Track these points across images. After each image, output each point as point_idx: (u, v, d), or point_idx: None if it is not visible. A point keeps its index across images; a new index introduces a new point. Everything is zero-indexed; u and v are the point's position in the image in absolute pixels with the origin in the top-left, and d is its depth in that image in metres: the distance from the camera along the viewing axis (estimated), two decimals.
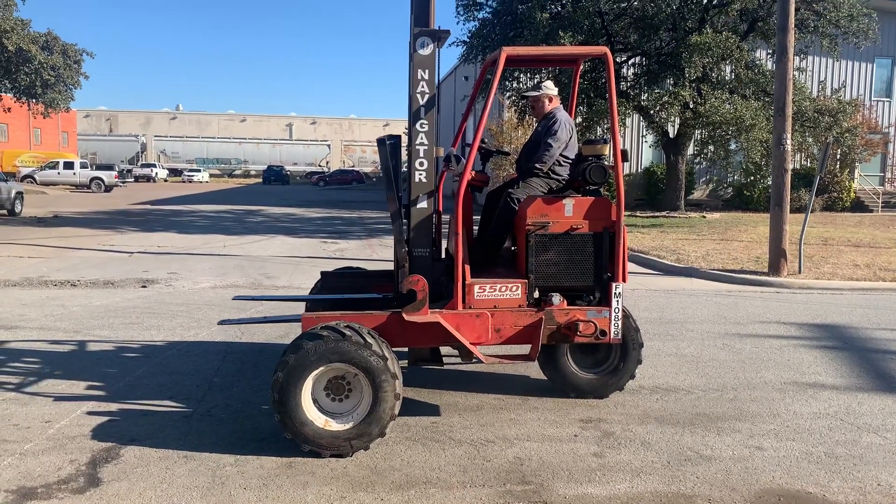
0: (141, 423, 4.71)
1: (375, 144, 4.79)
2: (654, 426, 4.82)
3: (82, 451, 4.26)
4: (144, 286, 9.95)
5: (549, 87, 5.30)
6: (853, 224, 20.81)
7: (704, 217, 22.02)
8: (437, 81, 4.60)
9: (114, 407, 5.00)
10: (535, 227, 4.61)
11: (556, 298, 4.64)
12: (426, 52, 4.55)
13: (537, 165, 5.07)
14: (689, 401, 5.36)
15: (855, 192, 28.04)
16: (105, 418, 4.78)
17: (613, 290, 4.63)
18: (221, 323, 5.44)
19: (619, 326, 4.68)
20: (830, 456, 4.39)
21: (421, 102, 4.57)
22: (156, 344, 6.73)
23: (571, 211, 4.63)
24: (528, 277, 4.62)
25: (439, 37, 4.58)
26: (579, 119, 20.91)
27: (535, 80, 21.40)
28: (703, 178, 30.01)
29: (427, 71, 4.56)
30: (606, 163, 4.91)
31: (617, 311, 4.65)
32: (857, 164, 28.27)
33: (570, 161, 5.14)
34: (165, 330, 7.29)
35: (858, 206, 27.71)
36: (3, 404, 5.02)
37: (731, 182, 29.21)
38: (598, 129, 20.91)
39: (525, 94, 5.46)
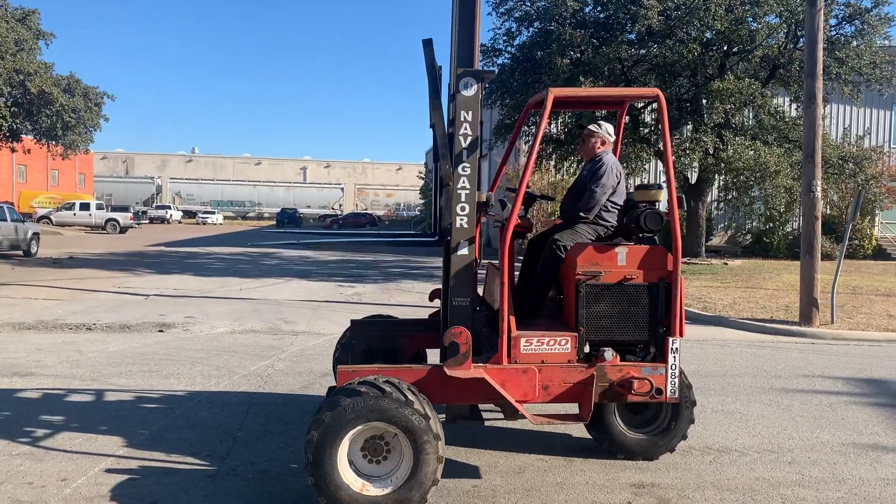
0: (163, 483, 4.41)
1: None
2: (712, 492, 4.48)
3: None
4: (161, 330, 9.70)
5: (608, 129, 5.06)
6: (879, 272, 20.39)
7: (727, 264, 21.64)
8: (480, 123, 4.39)
9: (134, 464, 4.70)
10: (585, 276, 4.33)
11: (609, 353, 4.33)
12: (470, 92, 4.33)
13: (582, 213, 4.83)
14: (744, 463, 5.01)
15: (876, 240, 27.66)
16: (124, 476, 4.48)
17: (670, 345, 4.34)
18: (251, 245, 5.46)
19: (677, 384, 4.37)
20: None
21: (464, 145, 4.32)
22: (176, 394, 6.44)
23: (625, 260, 4.35)
24: (578, 330, 4.33)
25: (483, 77, 4.38)
26: None
27: (567, 126, 21.30)
28: (722, 225, 29.69)
29: (471, 112, 4.33)
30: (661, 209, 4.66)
31: (674, 367, 4.35)
32: (878, 212, 27.92)
33: (618, 207, 4.89)
34: (185, 378, 7.01)
35: (880, 253, 27.29)
36: (17, 459, 4.74)
37: (750, 228, 28.89)
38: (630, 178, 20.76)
39: (588, 126, 5.15)
